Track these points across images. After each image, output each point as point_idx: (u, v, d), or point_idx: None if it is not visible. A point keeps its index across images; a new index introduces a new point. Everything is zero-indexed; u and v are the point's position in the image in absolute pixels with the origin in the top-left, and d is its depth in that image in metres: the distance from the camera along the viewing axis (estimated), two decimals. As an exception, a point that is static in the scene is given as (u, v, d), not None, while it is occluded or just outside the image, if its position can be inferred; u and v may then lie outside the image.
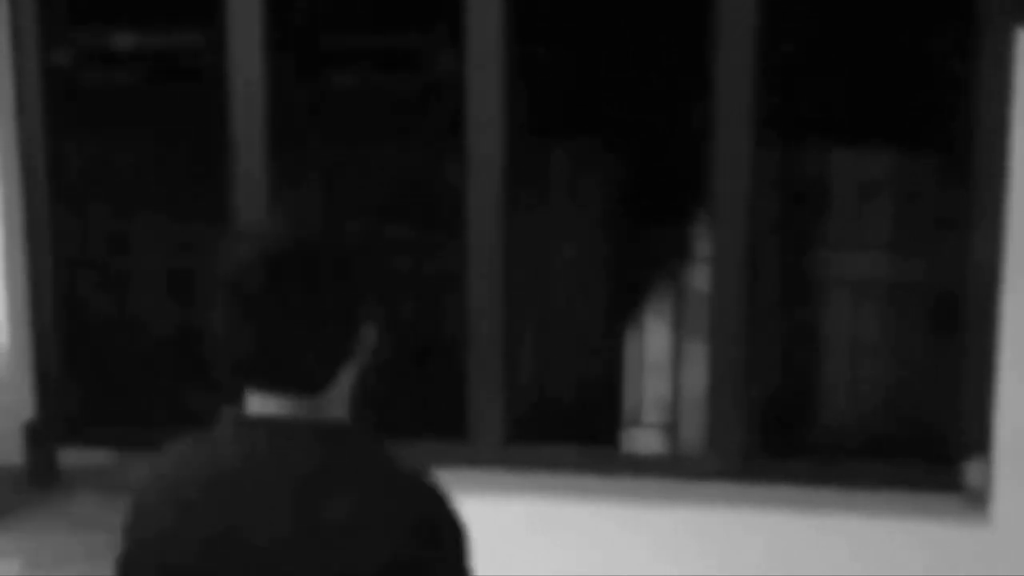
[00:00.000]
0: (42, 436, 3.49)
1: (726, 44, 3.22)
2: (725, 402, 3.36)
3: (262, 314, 1.62)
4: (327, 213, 4.33)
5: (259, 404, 1.68)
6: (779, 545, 3.35)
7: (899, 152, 3.80)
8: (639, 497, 3.41)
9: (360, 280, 1.70)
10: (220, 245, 1.69)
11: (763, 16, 3.21)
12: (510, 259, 3.40)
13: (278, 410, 1.67)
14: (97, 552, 3.15)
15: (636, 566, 3.42)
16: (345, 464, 1.66)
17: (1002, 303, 3.18)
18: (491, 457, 3.46)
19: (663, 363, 3.65)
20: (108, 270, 4.15)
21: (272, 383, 1.65)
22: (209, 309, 1.70)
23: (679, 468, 3.46)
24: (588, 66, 4.35)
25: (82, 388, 3.68)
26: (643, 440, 3.63)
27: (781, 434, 3.59)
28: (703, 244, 3.50)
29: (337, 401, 1.73)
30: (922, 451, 3.45)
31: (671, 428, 3.62)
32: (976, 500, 3.26)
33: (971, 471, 3.26)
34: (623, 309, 3.85)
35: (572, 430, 3.64)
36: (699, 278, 3.54)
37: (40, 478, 3.47)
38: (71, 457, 3.53)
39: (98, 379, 3.81)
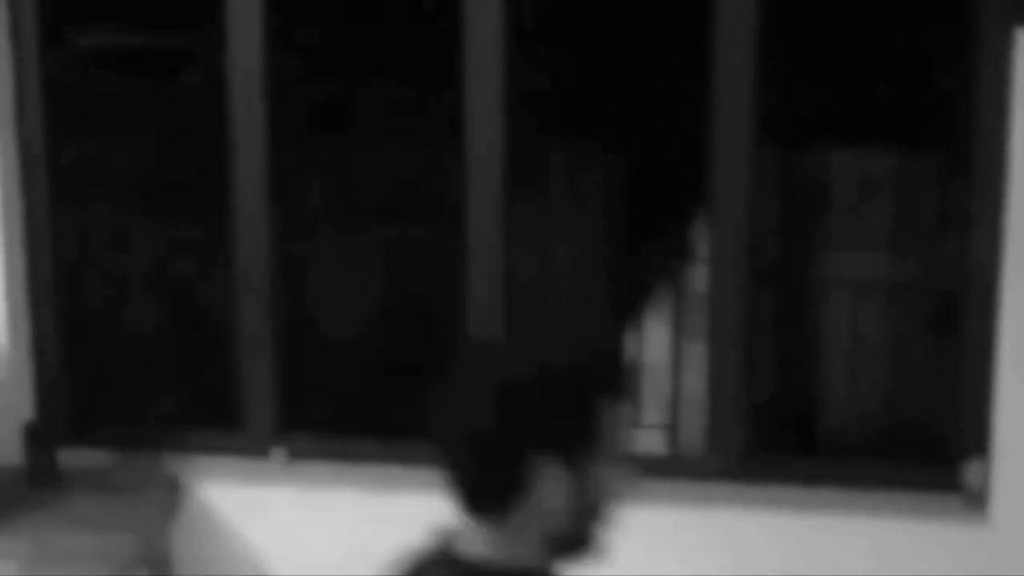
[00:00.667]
0: (42, 437, 3.48)
1: (726, 44, 3.22)
2: (725, 402, 3.36)
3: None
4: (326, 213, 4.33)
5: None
6: (779, 545, 3.35)
7: (899, 152, 3.80)
8: (638, 498, 3.40)
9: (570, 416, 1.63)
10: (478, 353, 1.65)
11: (763, 16, 3.21)
12: (510, 259, 3.40)
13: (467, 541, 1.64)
14: (97, 553, 3.15)
15: (636, 567, 3.42)
16: None
17: (1002, 303, 3.18)
18: (490, 458, 3.45)
19: (663, 363, 3.65)
20: (108, 270, 4.15)
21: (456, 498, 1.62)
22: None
23: (679, 468, 3.46)
24: (588, 66, 4.35)
25: (82, 389, 3.68)
26: (643, 440, 3.63)
27: (781, 434, 3.59)
28: (703, 244, 3.50)
29: (517, 540, 1.68)
30: (921, 451, 3.45)
31: (671, 428, 3.63)
32: (975, 500, 3.26)
33: (970, 471, 3.26)
34: (623, 309, 3.85)
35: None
36: (698, 278, 3.55)
37: (40, 479, 3.47)
38: (71, 458, 3.53)
39: (98, 380, 3.81)
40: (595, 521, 1.72)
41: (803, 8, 3.75)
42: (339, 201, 4.37)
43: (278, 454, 3.53)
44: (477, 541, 1.68)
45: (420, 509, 3.48)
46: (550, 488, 1.67)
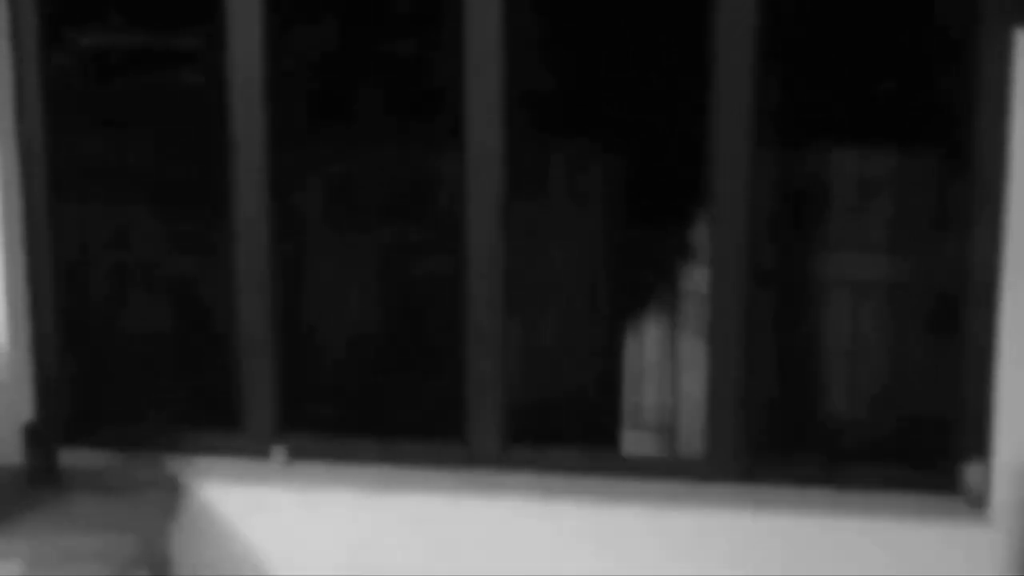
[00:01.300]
0: (42, 436, 3.48)
1: (726, 44, 3.22)
2: (724, 403, 3.36)
3: None
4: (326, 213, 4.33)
5: None
6: (778, 547, 3.35)
7: (899, 152, 3.80)
8: (638, 499, 3.41)
9: None
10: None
11: (763, 16, 3.21)
12: (510, 260, 3.40)
13: None
14: (97, 553, 3.15)
15: (636, 567, 3.42)
16: None
17: (1002, 304, 3.18)
18: (490, 458, 3.46)
19: (663, 364, 3.65)
20: (108, 270, 4.15)
21: None
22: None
23: (678, 470, 3.46)
24: (587, 65, 4.35)
25: (82, 389, 3.69)
26: (642, 442, 3.63)
27: (780, 435, 3.59)
28: (702, 245, 3.50)
29: None
30: (922, 452, 3.45)
31: (670, 430, 3.63)
32: (976, 501, 3.26)
33: (970, 472, 3.26)
34: (623, 310, 3.85)
35: (571, 432, 3.64)
36: (698, 279, 3.54)
37: (40, 479, 3.47)
38: (71, 458, 3.53)
39: (98, 380, 3.81)
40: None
41: (803, 8, 3.74)
42: (339, 201, 4.36)
43: (278, 454, 3.53)
44: None
45: (420, 509, 3.49)
46: None
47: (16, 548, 3.15)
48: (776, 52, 3.29)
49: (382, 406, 4.04)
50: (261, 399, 3.54)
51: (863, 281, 3.86)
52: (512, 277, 3.41)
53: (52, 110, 3.53)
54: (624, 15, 4.19)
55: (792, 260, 3.86)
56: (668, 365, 3.64)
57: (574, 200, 4.19)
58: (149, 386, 4.03)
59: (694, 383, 3.56)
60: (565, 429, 3.67)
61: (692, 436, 3.56)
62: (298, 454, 3.53)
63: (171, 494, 3.48)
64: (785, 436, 3.64)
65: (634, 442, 3.63)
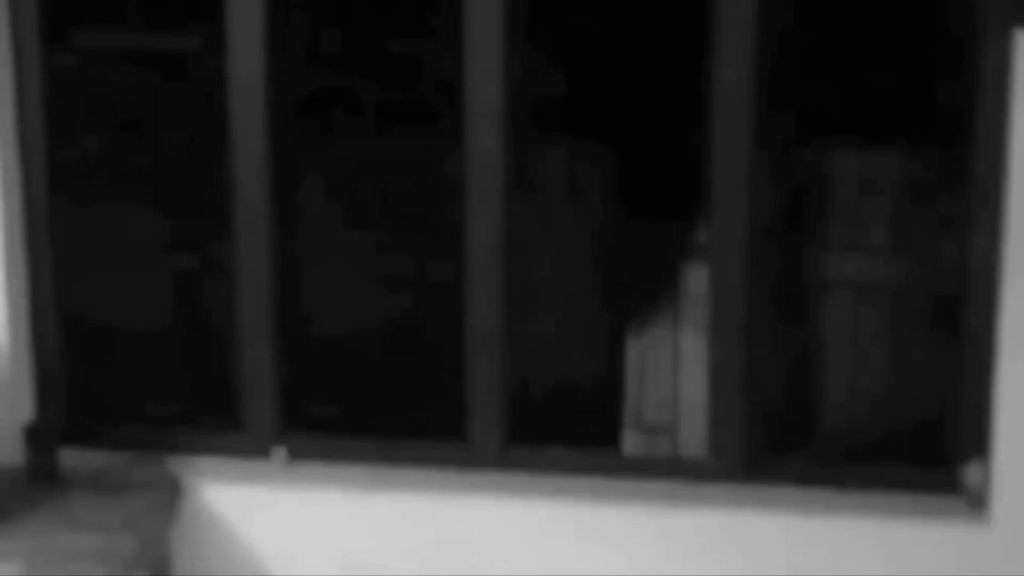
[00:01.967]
0: (42, 437, 3.49)
1: (726, 44, 3.22)
2: (726, 404, 3.36)
3: None
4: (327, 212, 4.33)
5: None
6: (779, 547, 3.35)
7: (899, 152, 3.80)
8: (639, 499, 3.41)
9: None
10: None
11: (763, 16, 3.21)
12: (510, 259, 3.40)
13: None
14: (97, 553, 3.15)
15: (637, 567, 3.42)
16: None
17: (1002, 304, 3.18)
18: (490, 459, 3.46)
19: (663, 365, 3.65)
20: (109, 270, 4.15)
21: None
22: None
23: (680, 470, 3.46)
24: (587, 64, 4.35)
25: (82, 389, 3.69)
26: (643, 442, 3.63)
27: (781, 436, 3.59)
28: (703, 245, 3.50)
29: None
30: (922, 452, 3.45)
31: (671, 430, 3.62)
32: (976, 502, 3.26)
33: (971, 473, 3.26)
34: (623, 310, 3.85)
35: (572, 432, 3.64)
36: (699, 279, 3.54)
37: (40, 479, 3.47)
38: (71, 458, 3.53)
39: (99, 380, 3.81)
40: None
41: (803, 8, 3.74)
42: (339, 200, 4.36)
43: (278, 455, 3.53)
44: None
45: (420, 510, 3.49)
46: None
47: (16, 548, 3.15)
48: (776, 52, 3.28)
49: (382, 406, 4.04)
50: (261, 399, 3.54)
51: (863, 281, 3.85)
52: (513, 277, 3.41)
53: (53, 109, 3.53)
54: (625, 13, 4.19)
55: (792, 260, 3.86)
56: (669, 365, 3.64)
57: (574, 200, 4.19)
58: (149, 386, 4.03)
59: (695, 384, 3.56)
60: (565, 429, 3.67)
61: (693, 436, 3.56)
62: (298, 454, 3.53)
63: (171, 494, 3.48)
64: (785, 436, 3.64)
65: (635, 442, 3.63)
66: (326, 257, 4.23)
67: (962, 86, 3.23)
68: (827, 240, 3.85)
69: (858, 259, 3.84)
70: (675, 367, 3.64)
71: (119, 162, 4.25)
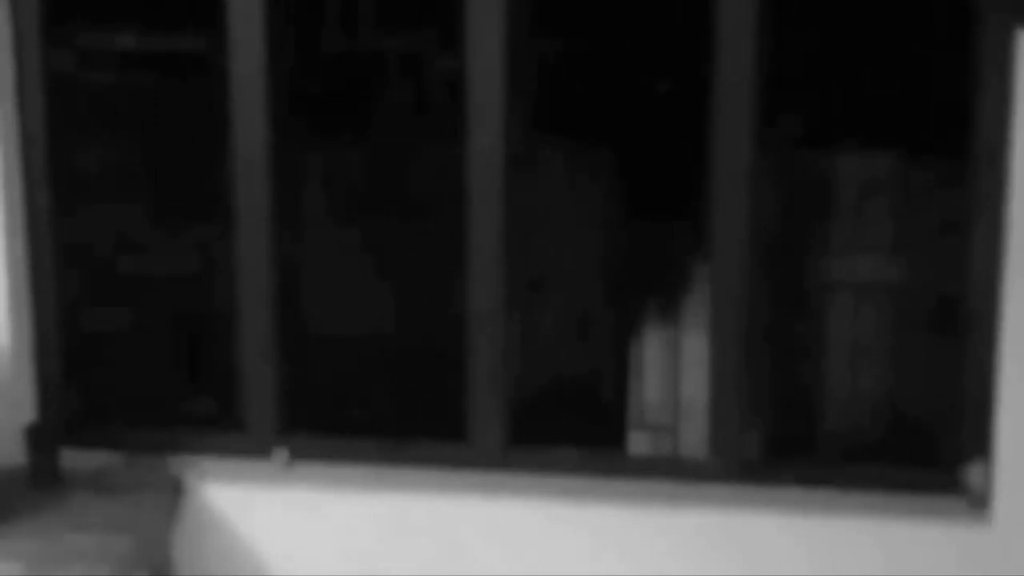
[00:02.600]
0: (44, 438, 3.49)
1: (727, 45, 3.22)
2: (727, 405, 3.36)
3: None
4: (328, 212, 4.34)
5: None
6: (780, 548, 3.35)
7: (900, 155, 3.80)
8: (640, 499, 3.41)
9: None
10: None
11: (764, 17, 3.21)
12: (511, 259, 3.40)
13: None
14: (98, 553, 3.15)
15: (638, 568, 3.42)
16: None
17: (1003, 305, 3.18)
18: (491, 459, 3.46)
19: (665, 365, 3.65)
20: (110, 271, 4.16)
21: None
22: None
23: (681, 471, 3.46)
24: (588, 63, 4.35)
25: (84, 390, 3.69)
26: (645, 442, 3.63)
27: (783, 436, 3.59)
28: (705, 246, 3.50)
29: None
30: (923, 453, 3.45)
31: (673, 430, 3.62)
32: (977, 503, 3.26)
33: (972, 473, 3.26)
34: (625, 310, 3.85)
35: (573, 432, 3.63)
36: (700, 280, 3.54)
37: (42, 480, 3.47)
38: (73, 459, 3.53)
39: (100, 380, 3.81)
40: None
41: (804, 9, 3.75)
42: (341, 201, 4.37)
43: (279, 455, 3.53)
44: None
45: (422, 510, 3.49)
46: None
47: (18, 548, 3.15)
48: (777, 53, 3.29)
49: (383, 407, 4.04)
50: (262, 400, 3.54)
51: (865, 283, 3.86)
52: (514, 277, 3.41)
53: (55, 111, 3.53)
54: (625, 13, 4.19)
55: (793, 260, 3.86)
56: (670, 366, 3.64)
57: (575, 200, 4.19)
58: (151, 387, 4.03)
59: (696, 384, 3.56)
60: (567, 429, 3.67)
61: (694, 437, 3.56)
62: (299, 455, 3.53)
63: (172, 495, 3.49)
64: (787, 436, 3.64)
65: (636, 442, 3.63)
66: (327, 257, 4.24)
67: (962, 87, 3.23)
68: (828, 241, 3.85)
69: (859, 260, 3.84)
70: (676, 367, 3.64)
71: (121, 163, 4.25)
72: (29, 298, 3.57)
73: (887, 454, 3.65)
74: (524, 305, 3.52)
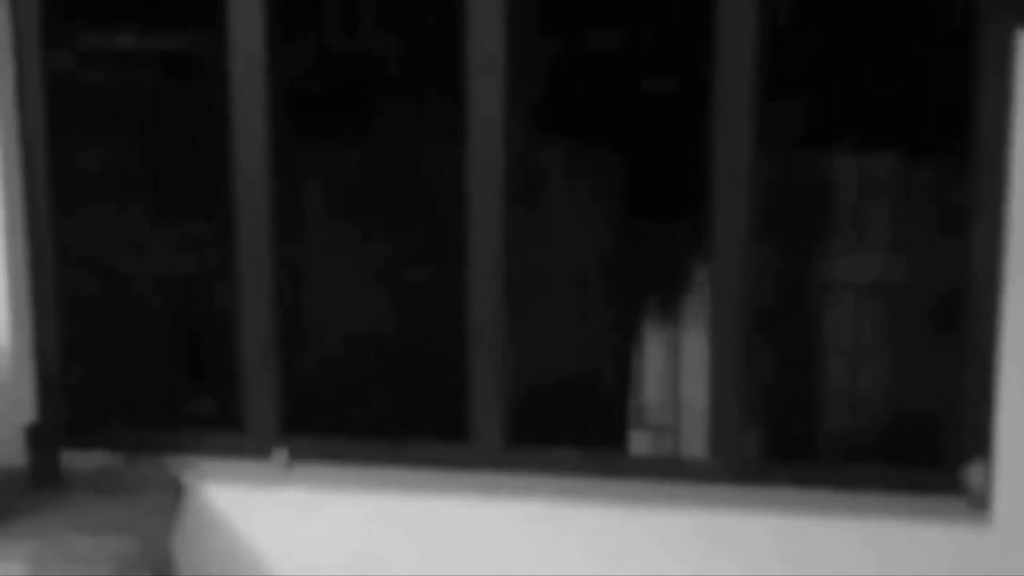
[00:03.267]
0: (44, 438, 3.49)
1: (727, 45, 3.22)
2: (727, 405, 3.36)
3: None
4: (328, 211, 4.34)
5: None
6: (780, 548, 3.35)
7: (900, 154, 3.80)
8: (641, 500, 3.41)
9: None
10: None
11: (764, 17, 3.21)
12: (512, 260, 3.41)
13: None
14: (99, 554, 3.15)
15: (638, 568, 3.42)
16: None
17: (1003, 305, 3.18)
18: (492, 459, 3.46)
19: (665, 365, 3.65)
20: (110, 271, 4.16)
21: None
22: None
23: (682, 471, 3.46)
24: (589, 63, 4.35)
25: (84, 390, 3.69)
26: (645, 442, 3.63)
27: (782, 437, 3.59)
28: (705, 246, 3.50)
29: None
30: (923, 453, 3.45)
31: (673, 431, 3.63)
32: (977, 503, 3.26)
33: (972, 473, 3.26)
34: (625, 310, 3.85)
35: (574, 432, 3.64)
36: (700, 280, 3.55)
37: (42, 480, 3.47)
38: (73, 459, 3.53)
39: (100, 381, 3.81)
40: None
41: (804, 9, 3.75)
42: (341, 201, 4.37)
43: (279, 455, 3.53)
44: None
45: (422, 511, 3.49)
46: None
47: (19, 548, 3.15)
48: (777, 53, 3.29)
49: (383, 407, 4.04)
50: (263, 400, 3.54)
51: (865, 283, 3.86)
52: (514, 277, 3.42)
53: (55, 111, 3.53)
54: (625, 13, 4.19)
55: (793, 260, 3.86)
56: (671, 366, 3.64)
57: (575, 200, 4.19)
58: (152, 388, 4.03)
59: (697, 384, 3.56)
60: (567, 429, 3.67)
61: (695, 437, 3.56)
62: (299, 455, 3.53)
63: (173, 495, 3.49)
64: (786, 437, 3.64)
65: (636, 442, 3.63)
66: (327, 258, 4.24)
67: (962, 87, 3.23)
68: (828, 240, 3.85)
69: (859, 259, 3.84)
70: (676, 367, 3.64)
71: (121, 163, 4.25)
72: (29, 298, 3.57)
73: (887, 454, 3.65)
74: (524, 305, 3.51)
